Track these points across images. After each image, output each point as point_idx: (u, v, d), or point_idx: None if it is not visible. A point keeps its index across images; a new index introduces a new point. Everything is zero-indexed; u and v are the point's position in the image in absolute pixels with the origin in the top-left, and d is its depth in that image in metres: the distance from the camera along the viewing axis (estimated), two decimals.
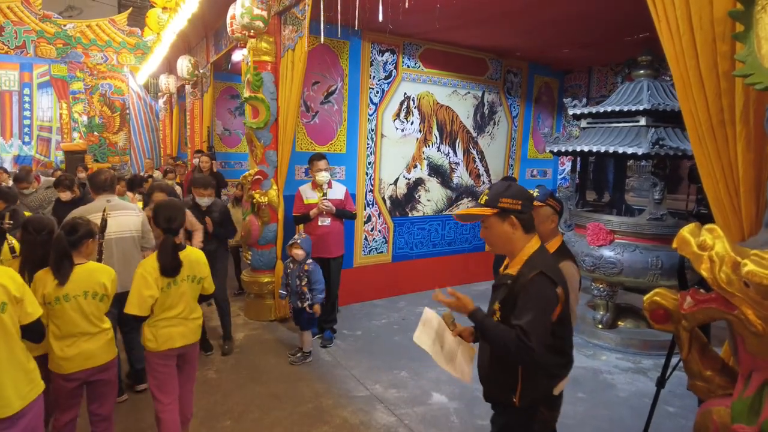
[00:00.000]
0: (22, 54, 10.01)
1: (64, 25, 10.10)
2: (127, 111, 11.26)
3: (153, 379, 2.61)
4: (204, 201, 4.23)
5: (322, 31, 4.00)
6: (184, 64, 7.97)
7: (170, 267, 2.47)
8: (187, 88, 8.82)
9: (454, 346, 1.85)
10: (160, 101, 11.24)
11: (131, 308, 2.46)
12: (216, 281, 3.76)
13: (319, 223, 4.49)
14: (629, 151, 4.13)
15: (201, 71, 8.05)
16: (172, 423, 2.59)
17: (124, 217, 3.45)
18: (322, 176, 4.47)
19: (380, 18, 3.14)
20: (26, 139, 12.65)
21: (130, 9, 10.99)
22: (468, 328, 1.95)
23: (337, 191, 4.58)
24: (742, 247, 1.34)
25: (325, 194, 4.51)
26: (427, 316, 1.89)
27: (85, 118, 10.87)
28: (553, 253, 2.31)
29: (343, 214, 4.55)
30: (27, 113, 12.68)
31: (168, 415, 2.58)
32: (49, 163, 11.65)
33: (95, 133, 10.86)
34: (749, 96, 1.49)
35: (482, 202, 1.78)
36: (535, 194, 2.34)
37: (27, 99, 12.65)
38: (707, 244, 1.35)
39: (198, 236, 3.99)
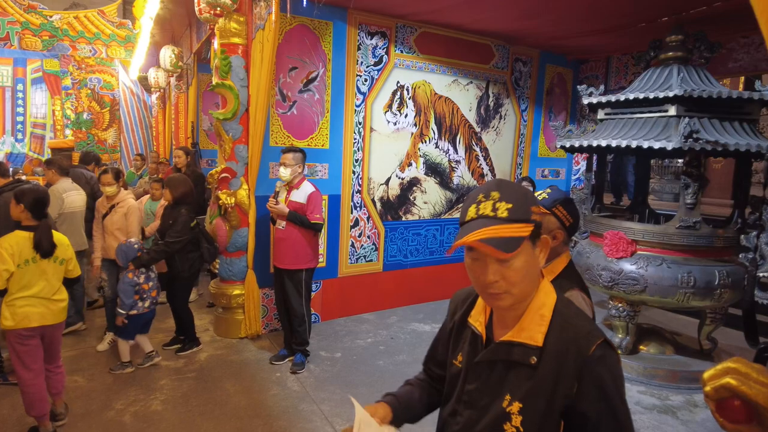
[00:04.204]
0: (5, 47, 9.54)
1: (50, 17, 9.63)
2: (118, 107, 10.75)
3: (14, 356, 2.76)
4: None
5: (288, 5, 3.38)
6: (167, 55, 7.41)
7: (48, 247, 2.74)
8: (172, 80, 8.27)
9: None
10: (153, 96, 10.72)
11: None
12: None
13: (276, 226, 3.91)
14: (656, 145, 3.44)
15: (185, 62, 7.49)
16: (36, 393, 2.77)
17: (79, 195, 4.57)
18: (281, 172, 3.84)
19: None
20: (19, 136, 12.25)
21: (120, 0, 10.47)
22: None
23: (301, 193, 3.85)
24: None
25: (286, 193, 3.90)
26: (363, 417, 1.16)
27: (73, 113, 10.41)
28: (555, 279, 1.66)
29: (295, 218, 3.77)
30: (20, 110, 12.28)
31: (31, 389, 2.76)
32: (36, 160, 11.18)
33: (83, 129, 10.38)
34: None
35: (502, 214, 0.97)
36: (542, 197, 1.66)
37: (20, 95, 12.26)
38: None
39: None
